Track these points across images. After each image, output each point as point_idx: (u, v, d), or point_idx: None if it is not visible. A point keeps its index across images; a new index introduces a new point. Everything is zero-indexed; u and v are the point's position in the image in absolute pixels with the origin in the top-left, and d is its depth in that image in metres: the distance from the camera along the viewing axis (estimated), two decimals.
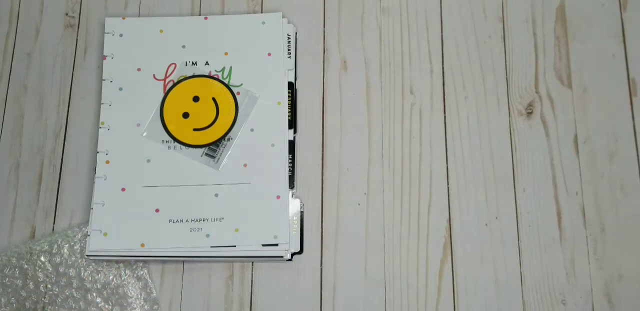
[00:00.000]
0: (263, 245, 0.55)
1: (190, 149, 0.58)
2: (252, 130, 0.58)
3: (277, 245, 0.55)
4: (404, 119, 0.59)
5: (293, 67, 0.60)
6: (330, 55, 0.62)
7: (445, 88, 0.60)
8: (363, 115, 0.60)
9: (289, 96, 0.59)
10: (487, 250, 0.56)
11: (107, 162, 0.58)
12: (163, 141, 0.58)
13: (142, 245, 0.55)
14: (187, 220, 0.56)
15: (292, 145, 0.58)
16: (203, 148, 0.58)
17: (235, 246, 0.55)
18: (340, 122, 0.60)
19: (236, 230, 0.55)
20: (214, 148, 0.58)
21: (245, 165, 0.57)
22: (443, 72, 0.60)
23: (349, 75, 0.61)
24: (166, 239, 0.55)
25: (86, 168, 0.59)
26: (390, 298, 0.55)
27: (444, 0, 0.62)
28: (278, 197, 0.56)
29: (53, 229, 0.58)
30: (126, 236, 0.55)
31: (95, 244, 0.55)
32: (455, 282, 0.55)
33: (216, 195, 0.57)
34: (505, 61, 0.60)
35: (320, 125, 0.60)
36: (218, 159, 0.58)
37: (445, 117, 0.59)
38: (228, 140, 0.58)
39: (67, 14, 0.64)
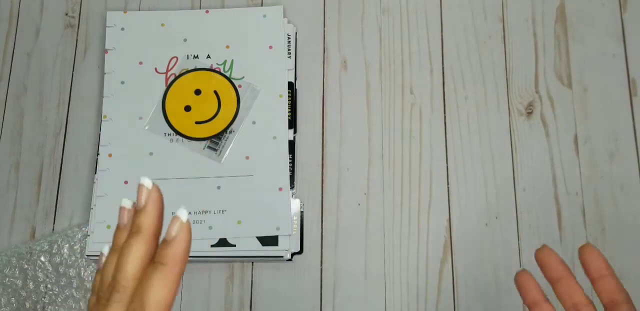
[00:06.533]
0: (265, 238, 0.55)
1: (193, 142, 0.58)
2: (253, 122, 0.58)
3: (278, 237, 0.55)
4: (404, 119, 0.59)
5: (293, 67, 0.60)
6: (330, 55, 0.61)
7: (445, 88, 0.60)
8: (363, 115, 0.60)
9: (289, 96, 0.59)
10: (487, 250, 0.56)
11: (110, 155, 0.58)
12: (165, 134, 0.59)
13: None
14: (189, 213, 0.56)
15: (292, 145, 0.58)
16: (205, 141, 0.58)
17: (235, 246, 0.55)
18: (340, 122, 0.60)
19: (239, 222, 0.56)
20: (216, 141, 0.58)
21: (247, 158, 0.57)
22: (443, 72, 0.60)
23: (349, 75, 0.61)
24: None
25: (86, 168, 0.59)
26: (390, 298, 0.55)
27: (444, 0, 0.62)
28: (280, 189, 0.56)
29: (53, 229, 0.58)
30: None
31: (99, 237, 0.55)
32: (455, 282, 0.55)
33: (218, 187, 0.57)
34: (505, 61, 0.60)
35: (320, 125, 0.60)
36: (220, 152, 0.58)
37: (445, 117, 0.59)
38: (230, 132, 0.58)
39: (67, 14, 0.64)
